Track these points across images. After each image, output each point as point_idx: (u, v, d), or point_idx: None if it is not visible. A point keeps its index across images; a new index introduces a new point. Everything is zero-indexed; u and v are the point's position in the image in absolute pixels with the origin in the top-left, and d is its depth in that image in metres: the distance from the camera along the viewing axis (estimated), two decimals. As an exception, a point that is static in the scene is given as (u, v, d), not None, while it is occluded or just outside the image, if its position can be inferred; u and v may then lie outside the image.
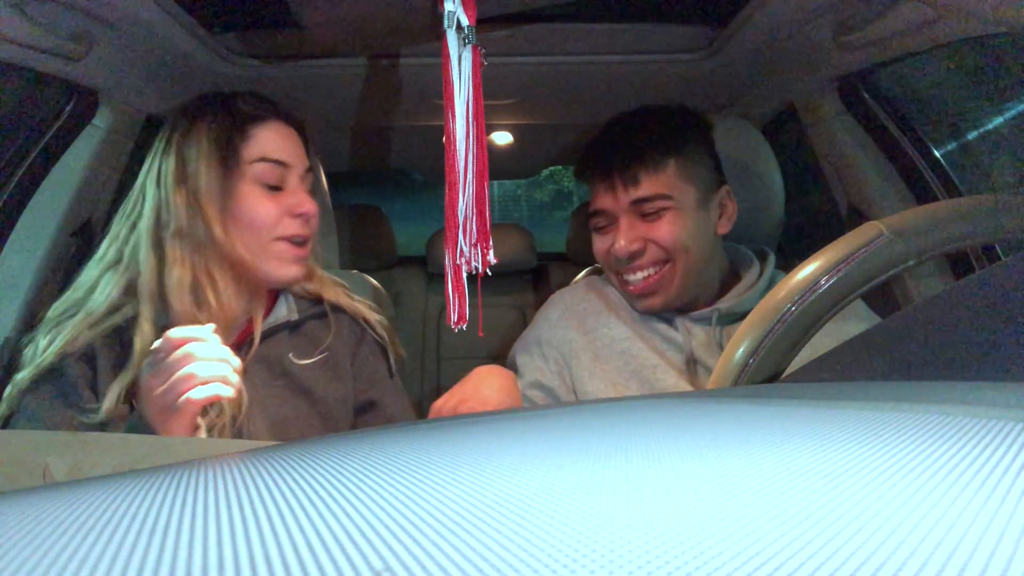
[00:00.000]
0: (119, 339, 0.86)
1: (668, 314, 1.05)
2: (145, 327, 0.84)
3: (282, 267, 0.92)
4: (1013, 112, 1.32)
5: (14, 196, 1.15)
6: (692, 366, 1.00)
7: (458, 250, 0.71)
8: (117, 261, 0.89)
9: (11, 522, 0.22)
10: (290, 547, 0.18)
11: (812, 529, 0.17)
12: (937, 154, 1.25)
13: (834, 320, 0.65)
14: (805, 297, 0.63)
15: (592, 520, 0.18)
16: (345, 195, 2.40)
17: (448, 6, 0.68)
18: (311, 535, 0.18)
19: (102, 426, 0.81)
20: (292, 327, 0.97)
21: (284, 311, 0.97)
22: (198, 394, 0.71)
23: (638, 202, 0.99)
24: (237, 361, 0.76)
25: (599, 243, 1.06)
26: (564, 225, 2.29)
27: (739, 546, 0.16)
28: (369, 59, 1.34)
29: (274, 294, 0.99)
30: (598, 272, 1.22)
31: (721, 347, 1.00)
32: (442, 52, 0.69)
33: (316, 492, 0.23)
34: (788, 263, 0.86)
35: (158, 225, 0.88)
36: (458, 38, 0.69)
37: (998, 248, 1.15)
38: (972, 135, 1.34)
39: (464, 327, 0.73)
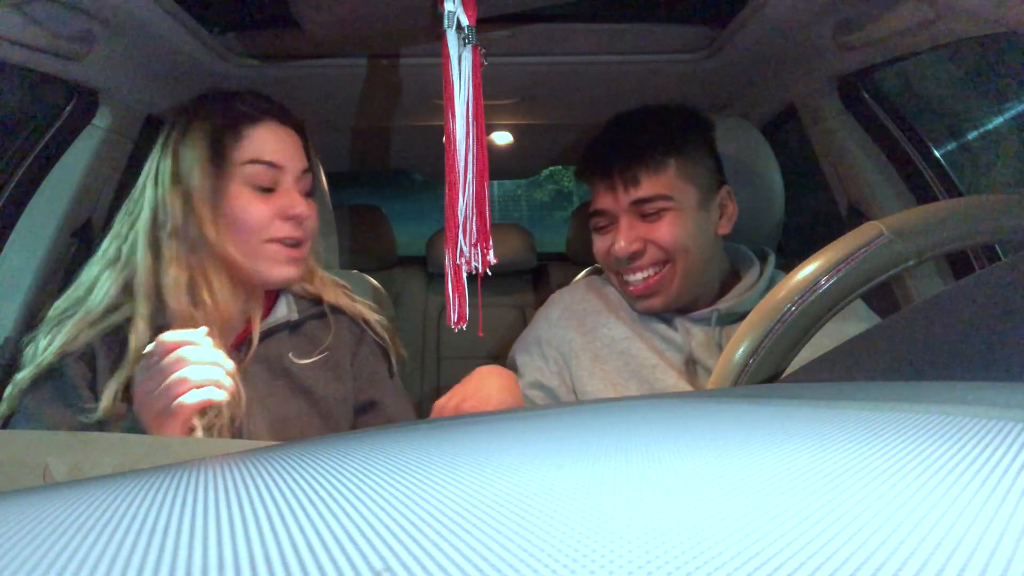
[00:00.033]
0: (118, 338, 0.86)
1: (667, 314, 1.05)
2: (140, 326, 0.84)
3: (275, 268, 0.92)
4: (1013, 112, 1.32)
5: (14, 196, 1.15)
6: (691, 366, 1.00)
7: (458, 250, 0.71)
8: (116, 259, 0.89)
9: (11, 522, 0.22)
10: (290, 547, 0.18)
11: (812, 529, 0.17)
12: (937, 154, 1.25)
13: (834, 320, 0.65)
14: (805, 297, 0.63)
15: (592, 520, 0.18)
16: (345, 195, 2.40)
17: (448, 6, 0.68)
18: (311, 535, 0.18)
19: (101, 425, 0.81)
20: (292, 327, 0.97)
21: (284, 311, 0.97)
22: (190, 399, 0.71)
23: (638, 202, 0.99)
24: (231, 364, 0.76)
25: (599, 243, 1.06)
26: (564, 225, 2.29)
27: (739, 546, 0.16)
28: (369, 59, 1.34)
29: (274, 294, 0.99)
30: (598, 272, 1.22)
31: (720, 347, 1.00)
32: (442, 52, 0.69)
33: (316, 492, 0.23)
34: (788, 263, 0.86)
35: (155, 224, 0.88)
36: (458, 38, 0.69)
37: (998, 248, 1.15)
38: (972, 135, 1.34)
39: (464, 327, 0.73)
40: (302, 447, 0.34)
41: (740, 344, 0.65)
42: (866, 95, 1.28)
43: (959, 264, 1.20)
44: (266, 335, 0.94)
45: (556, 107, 1.67)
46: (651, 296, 1.02)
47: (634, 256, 1.00)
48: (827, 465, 0.23)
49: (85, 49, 1.05)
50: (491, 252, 0.73)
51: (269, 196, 0.91)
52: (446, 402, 0.87)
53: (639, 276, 1.02)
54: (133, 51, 1.13)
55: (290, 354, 0.95)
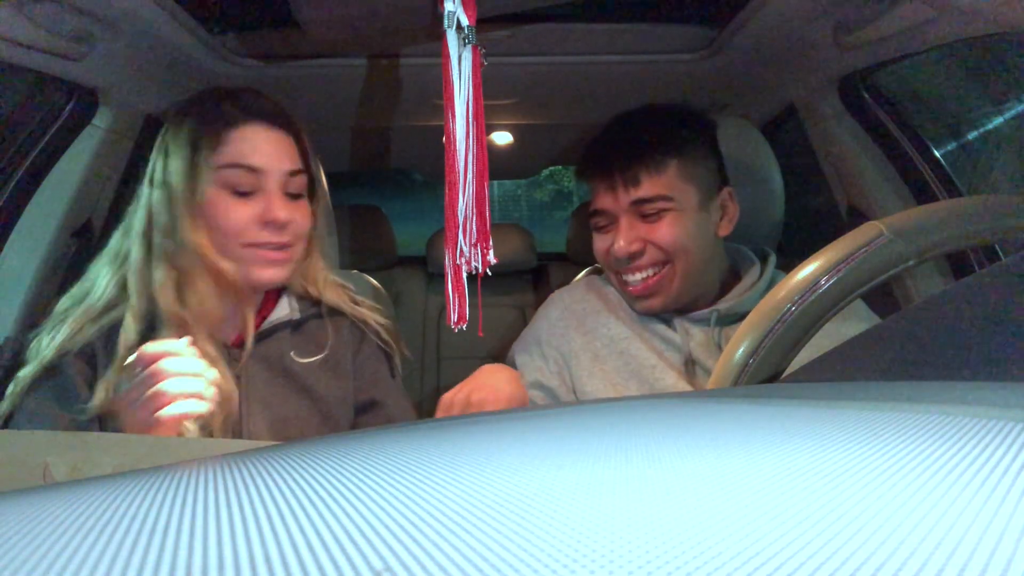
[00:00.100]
0: (117, 336, 0.87)
1: (667, 315, 1.05)
2: (130, 323, 0.84)
3: (258, 271, 0.90)
4: (1013, 112, 1.32)
5: (14, 196, 1.15)
6: (690, 367, 1.00)
7: (458, 250, 0.71)
8: (118, 255, 0.90)
9: (11, 522, 0.22)
10: (290, 547, 0.18)
11: (812, 529, 0.17)
12: (937, 154, 1.25)
13: (834, 320, 0.65)
14: (805, 297, 0.63)
15: (592, 520, 0.18)
16: (345, 195, 2.40)
17: (448, 6, 0.68)
18: (311, 535, 0.18)
19: (99, 421, 0.81)
20: (294, 326, 0.97)
21: (286, 310, 0.97)
22: (169, 412, 0.71)
23: (638, 202, 0.99)
24: (214, 373, 0.76)
25: (599, 243, 1.06)
26: (564, 225, 2.29)
27: (739, 546, 0.16)
28: (369, 59, 1.34)
29: (276, 293, 0.99)
30: (598, 272, 1.22)
31: (720, 348, 1.00)
32: (442, 52, 0.69)
33: (316, 492, 0.23)
34: (788, 263, 0.86)
35: (149, 223, 0.88)
36: (458, 38, 0.69)
37: (998, 248, 1.15)
38: (972, 135, 1.34)
39: (464, 327, 0.73)
40: (302, 447, 0.34)
41: (740, 344, 0.65)
42: (866, 95, 1.28)
43: (959, 264, 1.20)
44: (267, 334, 0.94)
45: (556, 107, 1.67)
46: (650, 296, 1.02)
47: (634, 256, 1.00)
48: (827, 465, 0.23)
49: (85, 49, 1.05)
50: (491, 252, 0.73)
51: (248, 200, 0.89)
52: (455, 394, 0.87)
53: (639, 276, 1.02)
54: (133, 51, 1.13)
55: (291, 353, 0.95)
